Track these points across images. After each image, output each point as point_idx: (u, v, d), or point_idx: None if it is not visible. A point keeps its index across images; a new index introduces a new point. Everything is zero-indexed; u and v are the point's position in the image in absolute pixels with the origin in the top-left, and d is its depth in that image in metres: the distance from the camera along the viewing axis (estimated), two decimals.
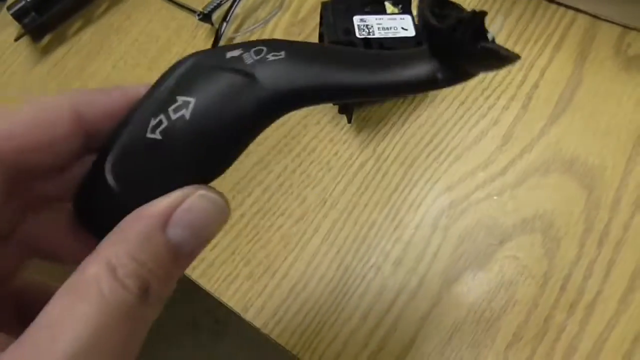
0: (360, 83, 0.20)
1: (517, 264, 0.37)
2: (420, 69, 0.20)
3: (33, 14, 0.54)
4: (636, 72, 0.41)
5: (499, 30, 0.33)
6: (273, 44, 0.20)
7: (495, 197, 0.39)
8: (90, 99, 0.21)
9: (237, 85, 0.19)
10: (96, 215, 0.21)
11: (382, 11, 0.41)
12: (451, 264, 0.37)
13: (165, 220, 0.19)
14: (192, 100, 0.19)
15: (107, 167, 0.20)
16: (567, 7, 0.44)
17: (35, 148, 0.20)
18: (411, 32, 0.39)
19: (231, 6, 0.50)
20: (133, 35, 0.53)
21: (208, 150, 0.20)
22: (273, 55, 0.20)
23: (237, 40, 0.50)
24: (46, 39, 0.56)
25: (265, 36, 0.50)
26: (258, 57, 0.20)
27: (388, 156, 0.42)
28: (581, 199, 0.38)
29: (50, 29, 0.56)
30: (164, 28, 0.53)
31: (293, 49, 0.20)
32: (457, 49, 0.19)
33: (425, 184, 0.40)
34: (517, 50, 0.43)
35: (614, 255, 0.36)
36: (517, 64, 0.43)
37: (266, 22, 0.50)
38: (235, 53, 0.20)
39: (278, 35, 0.50)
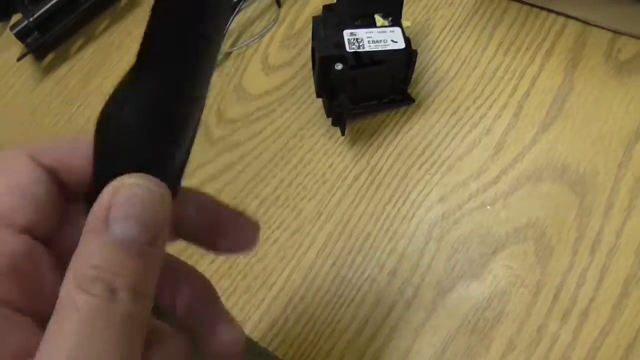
0: None
1: (511, 273, 0.37)
2: None
3: (36, 33, 0.55)
4: (627, 77, 0.41)
5: None
6: None
7: (488, 207, 0.39)
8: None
9: None
10: None
11: (373, 24, 0.41)
12: (445, 274, 0.38)
13: (104, 219, 0.19)
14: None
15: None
16: (558, 13, 0.44)
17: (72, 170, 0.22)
18: (401, 45, 0.40)
19: (226, 22, 0.51)
20: (133, 52, 0.54)
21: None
22: None
23: (234, 54, 0.51)
24: (49, 57, 0.57)
25: (261, 49, 0.50)
26: None
27: (381, 168, 0.42)
28: (573, 206, 0.38)
29: (53, 47, 0.57)
30: None
31: None
32: None
33: (418, 195, 0.40)
34: (508, 59, 0.44)
35: (607, 262, 0.36)
36: (509, 73, 0.43)
37: (261, 36, 0.51)
38: None
39: (274, 48, 0.50)
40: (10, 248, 0.20)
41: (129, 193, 0.19)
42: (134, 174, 0.20)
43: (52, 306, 0.19)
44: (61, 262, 0.20)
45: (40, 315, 0.20)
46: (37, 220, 0.21)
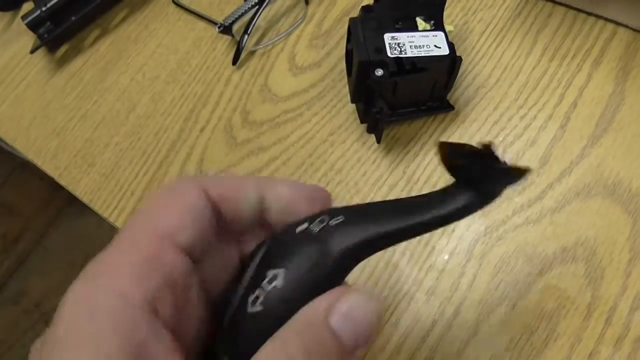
0: (407, 225, 0.23)
1: (559, 294, 0.35)
2: (458, 201, 0.23)
3: (48, 24, 0.53)
4: None
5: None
6: (335, 212, 0.24)
7: (533, 223, 0.37)
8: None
9: (313, 251, 0.23)
10: None
11: (414, 27, 0.39)
12: (488, 294, 0.36)
13: (327, 313, 0.20)
14: (280, 271, 0.22)
15: (220, 349, 0.23)
16: (607, 20, 0.42)
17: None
18: (445, 50, 0.38)
19: (253, 18, 0.48)
20: (151, 47, 0.52)
21: (299, 306, 0.22)
22: (334, 221, 0.23)
23: (259, 52, 0.49)
24: (62, 49, 0.54)
25: (288, 48, 0.48)
26: (322, 225, 0.23)
27: (419, 178, 0.40)
28: (625, 226, 0.36)
29: (66, 39, 0.55)
30: (183, 39, 0.52)
31: (351, 213, 0.24)
32: (481, 176, 0.23)
33: None
34: (553, 66, 0.42)
35: None
36: (554, 81, 0.41)
37: (288, 34, 0.49)
38: (304, 226, 0.24)
39: (301, 47, 0.48)
40: (172, 263, 0.21)
41: (354, 297, 0.21)
42: (369, 291, 0.22)
43: (190, 326, 0.21)
44: (200, 289, 0.23)
45: (177, 334, 0.20)
46: (196, 244, 0.22)
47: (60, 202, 1.46)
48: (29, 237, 1.46)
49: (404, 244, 0.38)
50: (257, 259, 0.24)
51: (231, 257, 0.25)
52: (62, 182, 0.48)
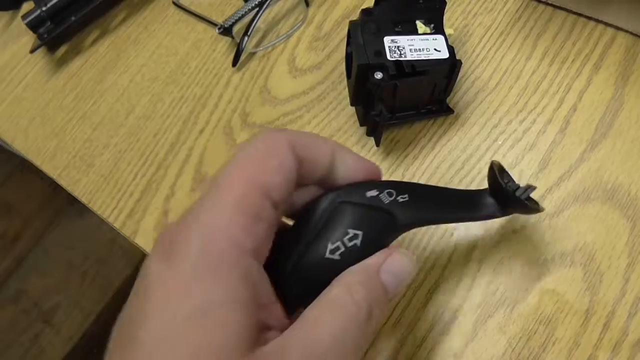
0: (452, 217, 0.34)
1: (557, 299, 0.35)
2: (489, 208, 0.32)
3: (48, 23, 0.53)
4: None
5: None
6: (399, 187, 0.30)
7: (532, 228, 0.37)
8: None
9: (385, 221, 0.29)
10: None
11: (414, 31, 0.39)
12: (486, 298, 0.36)
13: (379, 269, 0.27)
14: (360, 232, 0.27)
15: (292, 284, 0.27)
16: (607, 24, 0.42)
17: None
18: (444, 54, 0.38)
19: (253, 19, 0.48)
20: (151, 48, 0.52)
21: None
22: (401, 198, 0.29)
23: (259, 54, 0.49)
24: (62, 49, 0.54)
25: (288, 51, 0.48)
26: (391, 199, 0.29)
27: (418, 181, 0.40)
28: (624, 231, 0.36)
29: (66, 39, 0.55)
30: (183, 41, 0.51)
31: (414, 194, 0.30)
32: (511, 202, 0.31)
33: None
34: (553, 70, 0.42)
35: None
36: (554, 85, 0.41)
37: (288, 36, 0.49)
38: (374, 193, 0.29)
39: (301, 49, 0.48)
40: (269, 218, 0.25)
41: (400, 258, 0.27)
42: (406, 251, 0.28)
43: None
44: None
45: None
46: (284, 200, 0.26)
47: (60, 202, 1.45)
48: (28, 236, 1.46)
49: (402, 247, 0.38)
50: (327, 211, 0.28)
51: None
52: (62, 183, 0.47)
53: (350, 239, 0.27)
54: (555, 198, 0.38)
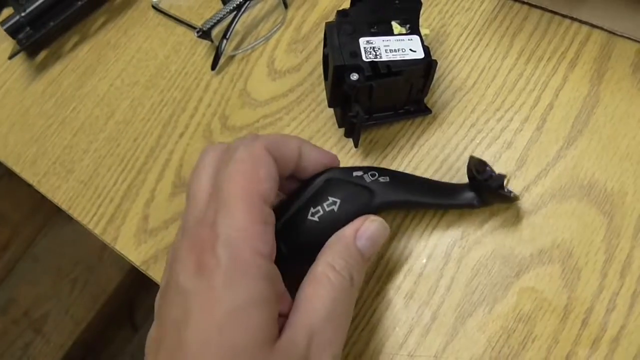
0: (429, 202, 0.37)
1: (536, 297, 0.35)
2: (466, 197, 0.36)
3: (28, 29, 0.52)
4: None
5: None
6: (383, 171, 0.35)
7: (510, 226, 0.37)
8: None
9: (364, 195, 0.34)
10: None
11: (390, 31, 0.39)
12: (466, 297, 0.36)
13: (355, 236, 0.32)
14: (338, 200, 0.33)
15: (280, 237, 0.30)
16: (582, 22, 0.42)
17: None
18: (420, 54, 0.38)
19: (231, 23, 0.48)
20: (130, 52, 0.52)
21: (343, 226, 0.33)
22: (383, 179, 0.34)
23: (238, 57, 0.49)
24: (41, 55, 0.54)
25: (267, 53, 0.48)
26: (373, 179, 0.34)
27: None
28: (601, 227, 0.36)
29: (46, 44, 0.54)
30: (162, 44, 0.51)
31: (395, 178, 0.35)
32: (487, 191, 0.35)
33: (436, 211, 0.38)
34: (529, 68, 0.42)
35: (638, 287, 0.34)
36: (530, 83, 0.41)
37: (267, 38, 0.49)
38: (359, 173, 0.34)
39: (280, 51, 0.48)
40: (272, 220, 0.29)
41: (373, 224, 0.32)
42: (374, 215, 0.33)
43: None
44: None
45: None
46: (272, 201, 0.30)
47: (49, 210, 1.44)
48: (17, 244, 1.45)
49: (381, 248, 0.38)
50: (318, 184, 0.33)
51: None
52: (41, 189, 0.47)
53: (329, 205, 0.32)
54: (533, 196, 0.38)
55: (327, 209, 0.32)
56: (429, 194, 0.36)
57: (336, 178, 0.34)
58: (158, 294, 0.31)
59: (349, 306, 0.31)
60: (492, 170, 0.34)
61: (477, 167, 0.35)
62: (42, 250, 1.43)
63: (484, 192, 0.35)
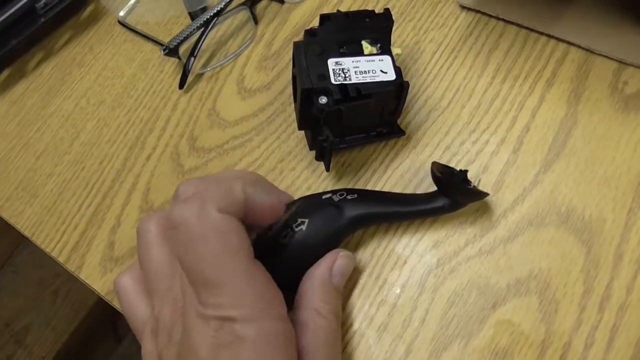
0: (399, 212, 0.36)
1: (513, 330, 0.34)
2: (436, 202, 0.35)
3: None
4: (634, 113, 0.38)
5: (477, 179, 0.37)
6: (351, 190, 0.36)
7: (486, 255, 0.36)
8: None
9: (332, 213, 0.34)
10: None
11: (360, 52, 0.37)
12: (440, 331, 0.34)
13: (330, 275, 0.33)
14: (306, 220, 0.33)
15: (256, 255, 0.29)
16: (559, 39, 0.41)
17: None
18: (391, 75, 0.36)
19: (199, 39, 0.47)
20: (96, 70, 0.50)
21: (314, 249, 0.34)
22: (350, 196, 0.35)
23: (207, 75, 0.47)
24: (4, 74, 0.52)
25: (236, 70, 0.46)
26: (341, 197, 0.35)
27: None
28: (579, 256, 0.35)
29: (8, 62, 0.52)
30: (129, 62, 0.50)
31: (363, 194, 0.36)
32: (453, 190, 0.35)
33: (410, 239, 0.37)
34: (505, 88, 0.41)
35: (617, 321, 0.33)
36: (507, 103, 0.40)
37: (237, 55, 0.47)
38: (328, 195, 0.35)
39: (250, 69, 0.46)
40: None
41: (343, 259, 0.33)
42: (342, 249, 0.34)
43: None
44: None
45: None
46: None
47: None
48: None
49: (354, 278, 0.36)
50: (290, 211, 0.34)
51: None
52: (4, 215, 0.45)
53: (297, 225, 0.33)
54: (509, 223, 0.36)
55: (297, 229, 0.33)
56: (399, 204, 0.36)
57: (308, 201, 0.35)
58: None
59: (339, 342, 0.33)
60: (454, 168, 0.35)
61: (440, 169, 0.35)
62: (22, 261, 1.41)
63: (452, 192, 0.35)
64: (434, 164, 0.36)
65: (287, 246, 0.33)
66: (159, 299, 0.30)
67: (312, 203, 0.35)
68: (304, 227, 0.33)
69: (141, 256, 0.31)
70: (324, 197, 0.35)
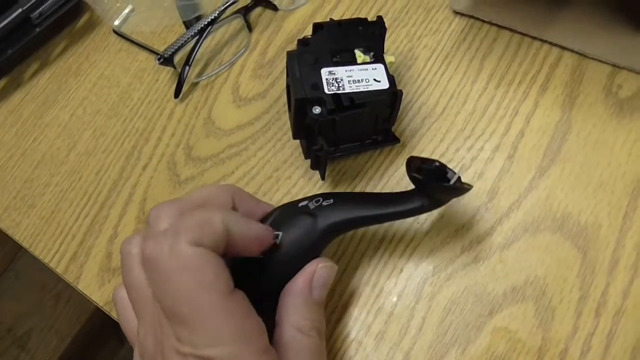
0: (377, 215, 0.33)
1: (509, 337, 0.34)
2: (415, 201, 0.33)
3: None
4: (629, 116, 0.38)
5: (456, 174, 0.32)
6: (327, 195, 0.34)
7: (482, 262, 0.36)
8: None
9: (306, 221, 0.32)
10: None
11: (353, 60, 0.37)
12: (438, 338, 0.34)
13: (309, 288, 0.31)
14: (280, 233, 0.32)
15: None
16: (552, 44, 0.41)
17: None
18: (384, 84, 0.36)
19: (194, 48, 0.47)
20: (92, 79, 0.50)
21: (291, 261, 0.32)
22: (326, 202, 0.33)
23: (202, 83, 0.47)
24: (1, 83, 0.52)
25: (231, 79, 0.47)
26: (317, 204, 0.33)
27: None
28: (575, 262, 0.35)
29: (4, 73, 0.53)
30: (125, 71, 0.50)
31: (340, 198, 0.33)
32: (431, 187, 0.32)
33: (406, 247, 0.37)
34: (500, 93, 0.41)
35: (613, 327, 0.33)
36: (501, 109, 0.40)
37: (231, 64, 0.47)
38: (304, 202, 0.33)
39: (245, 77, 0.46)
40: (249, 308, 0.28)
41: (323, 270, 0.32)
42: (322, 258, 0.33)
43: None
44: None
45: None
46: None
47: None
48: None
49: (351, 287, 0.36)
50: (267, 222, 0.33)
51: None
52: (2, 226, 0.45)
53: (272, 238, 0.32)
54: (505, 229, 0.36)
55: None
56: (376, 206, 0.33)
57: (284, 211, 0.34)
58: None
59: (324, 357, 0.32)
60: (434, 161, 0.32)
61: (417, 165, 0.33)
62: (23, 266, 1.41)
63: (431, 189, 0.32)
64: (411, 159, 0.33)
65: (264, 261, 0.31)
66: (142, 326, 0.29)
67: (287, 214, 0.33)
68: (278, 240, 0.31)
69: (124, 279, 0.30)
70: (300, 204, 0.33)
